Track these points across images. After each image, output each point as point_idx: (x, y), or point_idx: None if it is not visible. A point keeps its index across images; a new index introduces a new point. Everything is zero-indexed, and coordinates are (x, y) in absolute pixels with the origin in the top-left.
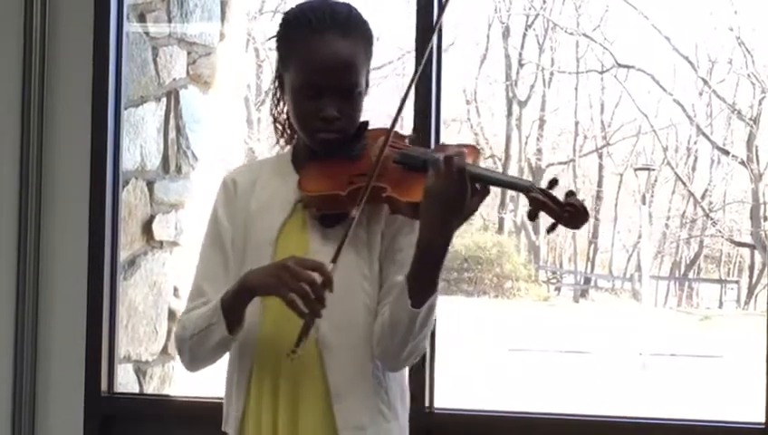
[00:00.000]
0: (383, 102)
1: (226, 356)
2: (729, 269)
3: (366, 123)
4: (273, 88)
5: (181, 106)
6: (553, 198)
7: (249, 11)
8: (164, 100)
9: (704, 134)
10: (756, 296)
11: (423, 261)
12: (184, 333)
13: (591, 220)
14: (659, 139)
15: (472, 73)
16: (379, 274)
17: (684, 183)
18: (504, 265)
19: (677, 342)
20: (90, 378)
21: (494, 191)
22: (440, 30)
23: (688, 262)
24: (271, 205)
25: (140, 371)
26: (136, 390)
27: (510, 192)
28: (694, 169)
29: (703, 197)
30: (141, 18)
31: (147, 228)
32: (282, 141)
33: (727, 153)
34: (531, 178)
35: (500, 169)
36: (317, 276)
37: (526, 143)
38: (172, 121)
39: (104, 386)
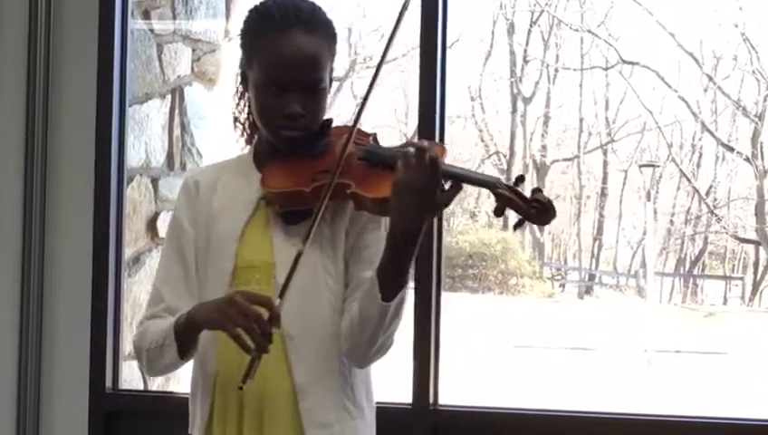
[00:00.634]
0: (387, 99)
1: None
2: (734, 266)
3: (330, 121)
4: (235, 87)
5: (186, 103)
6: (520, 195)
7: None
8: (169, 97)
9: (708, 131)
10: (761, 293)
11: (394, 254)
12: (141, 344)
13: (596, 217)
14: (664, 135)
15: (476, 70)
16: (344, 271)
17: (688, 179)
18: (509, 262)
19: (682, 338)
20: (94, 375)
21: None
22: (444, 26)
23: (693, 258)
24: (233, 203)
25: None
26: (140, 387)
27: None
28: (698, 165)
29: (707, 193)
30: (146, 15)
31: (151, 225)
32: (242, 141)
33: (732, 150)
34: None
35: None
36: (264, 312)
37: (531, 140)
38: (177, 118)
39: (109, 383)
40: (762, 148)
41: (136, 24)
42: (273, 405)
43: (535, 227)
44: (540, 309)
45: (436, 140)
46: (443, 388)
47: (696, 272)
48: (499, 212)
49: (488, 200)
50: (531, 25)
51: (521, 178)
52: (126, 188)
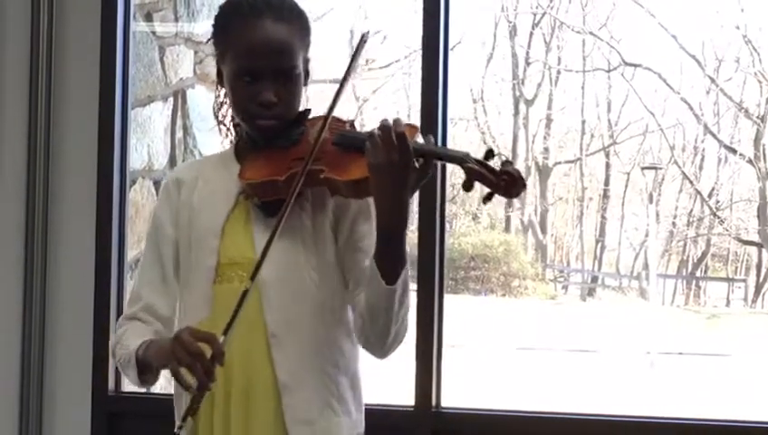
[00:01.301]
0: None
1: None
2: (736, 268)
3: (308, 111)
4: (215, 87)
5: (188, 105)
6: (489, 168)
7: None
8: (171, 99)
9: (711, 133)
10: (764, 295)
11: (386, 237)
12: (114, 350)
13: (598, 219)
14: (666, 137)
15: (479, 72)
16: (336, 264)
17: (691, 182)
18: (512, 264)
19: (685, 340)
20: (97, 376)
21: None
22: (446, 29)
23: (695, 260)
24: (214, 198)
25: None
26: (143, 389)
27: None
28: (701, 167)
29: (710, 195)
30: (148, 18)
31: None
32: (227, 142)
33: (734, 152)
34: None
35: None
36: (207, 349)
37: (533, 142)
38: (179, 121)
39: (111, 384)
40: (764, 150)
41: (138, 26)
42: (257, 401)
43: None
44: (542, 311)
45: (439, 140)
46: (445, 390)
47: (698, 274)
48: (467, 186)
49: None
50: (533, 27)
51: (491, 152)
52: (128, 190)
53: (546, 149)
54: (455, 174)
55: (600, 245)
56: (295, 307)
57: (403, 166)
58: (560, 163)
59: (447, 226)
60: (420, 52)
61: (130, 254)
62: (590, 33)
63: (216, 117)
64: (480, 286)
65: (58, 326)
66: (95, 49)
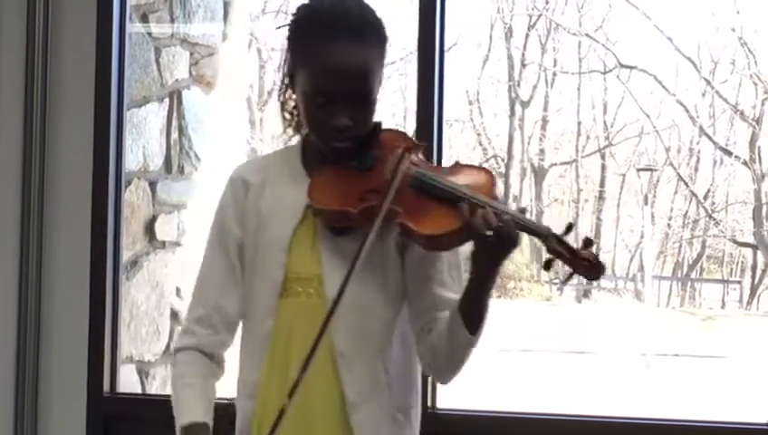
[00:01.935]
0: (385, 103)
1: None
2: (731, 269)
3: (379, 124)
4: (281, 77)
5: (184, 107)
6: (569, 249)
7: (252, 11)
8: (166, 100)
9: (706, 135)
10: (759, 297)
11: (476, 295)
12: (171, 371)
13: (594, 220)
14: (662, 139)
15: (474, 74)
16: (396, 287)
17: (686, 183)
18: (507, 265)
19: (680, 342)
20: (92, 378)
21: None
22: (442, 30)
23: (691, 262)
24: (281, 209)
25: (143, 371)
26: (138, 390)
27: (512, 192)
28: (696, 169)
29: (705, 197)
30: (144, 19)
31: (149, 229)
32: (290, 130)
33: (730, 154)
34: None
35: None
36: None
37: (529, 144)
38: (175, 122)
39: (106, 386)
40: (759, 151)
41: (134, 27)
42: (319, 417)
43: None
44: (538, 313)
45: (434, 142)
46: (441, 391)
47: (693, 276)
48: (547, 266)
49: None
50: (528, 29)
51: (570, 227)
52: (124, 191)
53: (542, 151)
54: None
55: (595, 246)
56: (362, 326)
57: (505, 253)
58: (555, 165)
59: None
60: (416, 53)
61: (126, 255)
62: (586, 35)
63: (283, 106)
64: None
65: (53, 328)
66: (91, 50)
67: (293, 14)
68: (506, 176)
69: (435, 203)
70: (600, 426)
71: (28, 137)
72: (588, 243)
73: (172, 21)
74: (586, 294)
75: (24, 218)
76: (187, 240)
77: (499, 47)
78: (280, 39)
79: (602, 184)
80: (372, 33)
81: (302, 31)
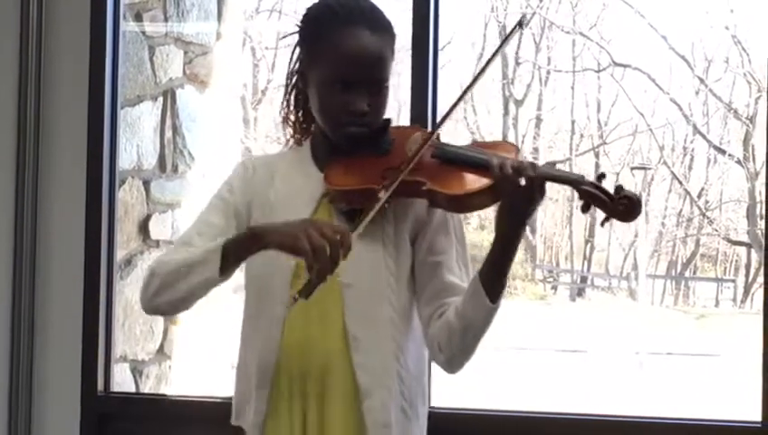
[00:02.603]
0: None
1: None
2: (725, 268)
3: (389, 120)
4: (287, 87)
5: (178, 105)
6: (606, 192)
7: (246, 10)
8: (160, 99)
9: (700, 133)
10: (752, 295)
11: (498, 260)
12: (161, 267)
13: (587, 219)
14: (656, 138)
15: (468, 72)
16: (408, 275)
17: (680, 182)
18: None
19: (674, 340)
20: (86, 377)
21: None
22: (436, 28)
23: (685, 261)
24: (294, 200)
25: (137, 370)
26: (132, 389)
27: None
28: (690, 167)
29: (699, 195)
30: (138, 17)
31: (143, 228)
32: (292, 141)
33: (724, 152)
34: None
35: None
36: (338, 238)
37: (523, 142)
38: (169, 121)
39: (100, 385)
40: (753, 150)
41: (128, 26)
42: (335, 403)
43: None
44: (532, 311)
45: None
46: (436, 389)
47: (687, 274)
48: (585, 208)
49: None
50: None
51: (602, 175)
52: (118, 190)
53: (536, 150)
54: None
55: (589, 245)
56: (375, 311)
57: (537, 202)
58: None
59: None
60: (410, 52)
61: (120, 254)
62: (580, 33)
63: (286, 116)
64: None
65: (47, 327)
66: (84, 48)
67: (305, 14)
68: None
69: (460, 168)
70: (593, 424)
71: (22, 135)
72: (621, 188)
73: (166, 20)
74: (580, 292)
75: (17, 217)
76: None
77: (493, 45)
78: (274, 38)
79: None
80: (384, 25)
81: (319, 24)
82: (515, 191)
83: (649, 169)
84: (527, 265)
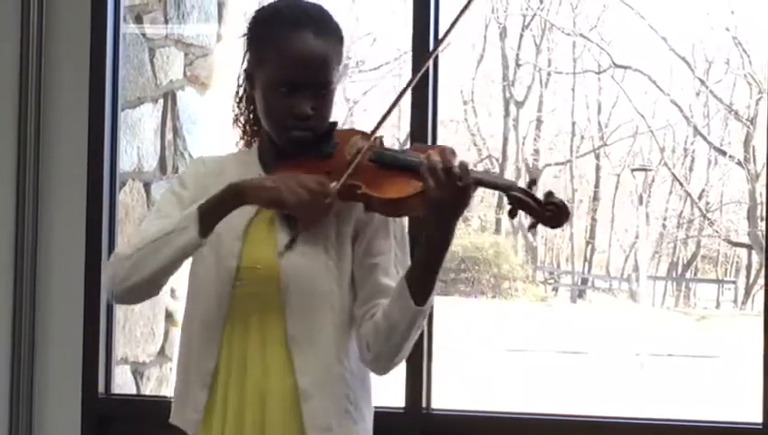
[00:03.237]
0: (380, 103)
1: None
2: (726, 269)
3: (335, 123)
4: (237, 88)
5: (178, 107)
6: (534, 198)
7: (246, 12)
8: (161, 101)
9: (701, 135)
10: (753, 297)
11: (427, 262)
12: (131, 247)
13: (589, 221)
14: (656, 139)
15: (469, 74)
16: (350, 278)
17: (681, 183)
18: (502, 266)
19: (675, 342)
20: (87, 379)
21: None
22: (437, 31)
23: (685, 262)
24: None
25: (137, 372)
26: (133, 391)
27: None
28: (691, 169)
29: (700, 197)
30: (138, 19)
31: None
32: (241, 143)
33: (724, 154)
34: (527, 179)
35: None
36: (320, 188)
37: (523, 144)
38: (169, 123)
39: (101, 387)
40: (754, 151)
41: (128, 28)
42: (275, 406)
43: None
44: (532, 313)
45: (428, 143)
46: (436, 392)
47: (688, 276)
48: (513, 214)
49: (481, 204)
50: (523, 29)
51: (534, 181)
52: (118, 192)
53: (536, 151)
54: None
55: (590, 247)
56: (315, 315)
57: (463, 205)
58: (550, 165)
59: None
60: (410, 54)
61: None
62: (581, 35)
63: (237, 118)
64: (470, 288)
65: (48, 329)
66: (85, 50)
67: (253, 16)
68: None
69: (395, 173)
70: (594, 426)
71: (22, 138)
72: (550, 194)
73: (166, 22)
74: (581, 294)
75: (18, 220)
76: None
77: (493, 47)
78: None
79: (597, 184)
80: (331, 29)
81: (265, 26)
82: (443, 195)
83: (650, 170)
84: (528, 266)
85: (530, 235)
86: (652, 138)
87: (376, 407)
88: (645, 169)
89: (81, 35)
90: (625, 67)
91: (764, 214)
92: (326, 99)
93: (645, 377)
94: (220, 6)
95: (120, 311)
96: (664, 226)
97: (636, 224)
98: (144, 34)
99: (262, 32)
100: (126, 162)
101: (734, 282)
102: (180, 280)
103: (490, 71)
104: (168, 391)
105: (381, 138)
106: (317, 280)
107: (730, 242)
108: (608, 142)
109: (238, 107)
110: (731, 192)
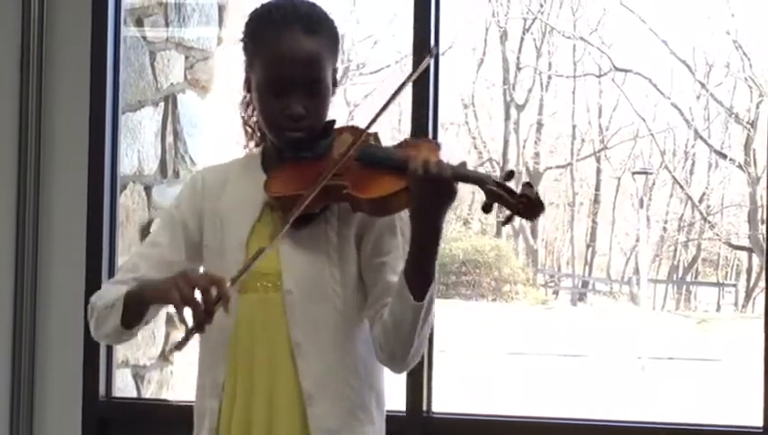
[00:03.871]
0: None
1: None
2: (727, 272)
3: (333, 122)
4: (242, 91)
5: (179, 111)
6: (508, 190)
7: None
8: (162, 104)
9: (701, 138)
10: (754, 299)
11: (418, 257)
12: (96, 302)
13: (589, 224)
14: (657, 142)
15: (469, 77)
16: (357, 279)
17: (681, 186)
18: (503, 269)
19: (675, 345)
20: (87, 382)
21: None
22: (437, 34)
23: (686, 265)
24: (240, 207)
25: (138, 375)
26: (134, 394)
27: None
28: (691, 172)
29: (700, 200)
30: (139, 23)
31: (145, 233)
32: (251, 144)
33: (725, 157)
34: (528, 180)
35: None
36: (213, 290)
37: (524, 147)
38: (170, 126)
39: (102, 390)
40: (754, 155)
41: (129, 31)
42: (281, 411)
43: (529, 233)
44: (533, 316)
45: None
46: (436, 395)
47: (689, 279)
48: (487, 208)
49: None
50: (523, 33)
51: (510, 174)
52: (119, 195)
53: (537, 154)
54: None
55: (590, 250)
56: (319, 319)
57: (448, 199)
58: (550, 168)
59: None
60: (411, 57)
61: (121, 259)
62: (581, 38)
63: (245, 121)
64: (471, 291)
65: (49, 332)
66: (86, 54)
67: (246, 19)
68: None
69: (380, 171)
70: (595, 429)
71: (23, 141)
72: (527, 185)
73: (167, 25)
74: (581, 297)
75: (19, 223)
76: None
77: (494, 50)
78: None
79: (597, 187)
80: (322, 25)
81: (256, 28)
82: (426, 191)
83: (651, 173)
84: (528, 269)
85: (530, 237)
86: (653, 141)
87: None
88: (645, 172)
89: (81, 39)
90: (625, 70)
91: (765, 217)
92: (319, 97)
93: (645, 380)
94: (221, 10)
95: None
96: (664, 229)
97: (636, 227)
98: (145, 38)
99: (253, 33)
100: (126, 165)
101: (734, 285)
102: None
103: (491, 74)
104: (168, 394)
105: (376, 134)
106: (318, 285)
107: (730, 245)
108: (608, 145)
109: (245, 112)
110: (731, 195)
